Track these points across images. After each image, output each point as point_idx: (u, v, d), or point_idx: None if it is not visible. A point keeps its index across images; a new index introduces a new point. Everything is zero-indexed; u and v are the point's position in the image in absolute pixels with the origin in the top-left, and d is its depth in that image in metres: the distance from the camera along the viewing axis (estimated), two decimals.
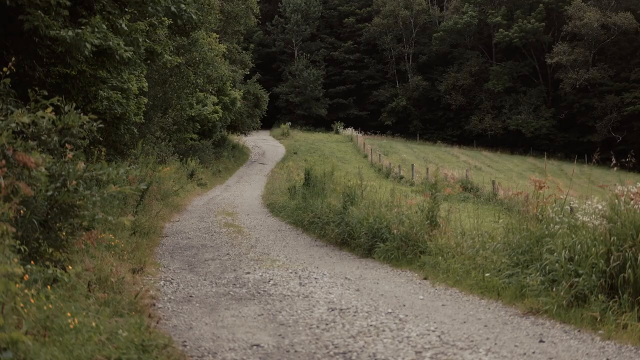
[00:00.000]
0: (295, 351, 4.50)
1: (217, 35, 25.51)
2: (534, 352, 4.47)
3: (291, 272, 7.67)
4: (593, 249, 5.47)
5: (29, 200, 4.56)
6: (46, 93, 5.49)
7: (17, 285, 3.35)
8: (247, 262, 8.48)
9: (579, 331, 4.94)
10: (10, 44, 8.37)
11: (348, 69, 64.10)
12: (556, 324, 5.18)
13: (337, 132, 51.96)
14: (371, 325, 5.17)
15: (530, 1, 56.05)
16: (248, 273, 7.61)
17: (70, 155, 5.23)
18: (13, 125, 4.47)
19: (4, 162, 4.02)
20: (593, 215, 6.51)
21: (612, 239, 5.34)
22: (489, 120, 56.14)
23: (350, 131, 49.80)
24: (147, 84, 15.40)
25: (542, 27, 54.34)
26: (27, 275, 3.86)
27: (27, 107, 5.16)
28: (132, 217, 6.93)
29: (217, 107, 27.46)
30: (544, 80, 56.40)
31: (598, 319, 4.98)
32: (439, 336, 4.85)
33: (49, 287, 4.25)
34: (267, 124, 52.44)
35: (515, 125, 54.37)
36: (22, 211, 4.45)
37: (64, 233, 5.14)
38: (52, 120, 5.08)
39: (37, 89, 5.52)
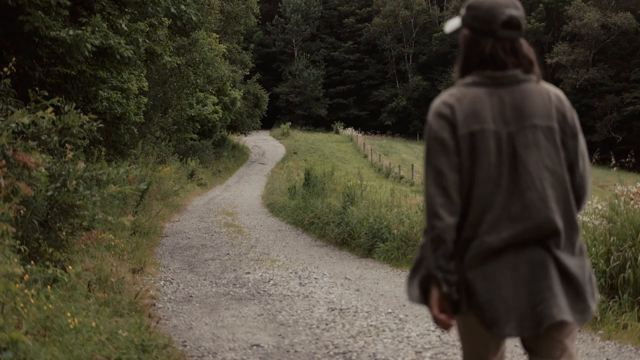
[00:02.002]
0: (295, 351, 4.50)
1: (217, 36, 25.52)
2: None
3: (291, 272, 7.67)
4: (593, 249, 5.46)
5: (29, 200, 4.56)
6: (46, 93, 5.49)
7: (17, 285, 3.35)
8: (247, 262, 8.48)
9: (579, 331, 4.94)
10: (10, 44, 8.37)
11: (348, 69, 64.14)
12: None
13: (337, 132, 51.97)
14: (371, 325, 5.17)
15: (530, 1, 56.08)
16: (248, 273, 7.61)
17: (70, 155, 5.24)
18: (13, 125, 4.47)
19: (4, 162, 4.02)
20: (593, 215, 6.51)
21: (612, 239, 5.34)
22: None
23: (350, 131, 49.83)
24: (147, 84, 15.42)
25: (542, 27, 54.40)
26: (27, 275, 3.86)
27: (27, 107, 5.16)
28: (132, 217, 6.94)
29: (217, 107, 27.48)
30: (544, 80, 56.34)
31: (598, 319, 4.98)
32: (439, 336, 4.85)
33: (49, 287, 4.25)
34: (267, 124, 52.48)
35: None
36: (22, 211, 4.45)
37: (64, 233, 5.14)
38: (52, 120, 5.08)
39: (37, 89, 5.52)
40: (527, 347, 2.22)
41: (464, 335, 2.26)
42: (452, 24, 2.29)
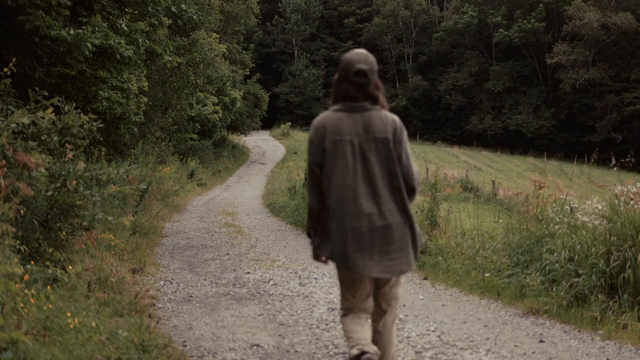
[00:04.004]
0: (295, 351, 4.50)
1: (217, 36, 25.52)
2: (534, 352, 4.47)
3: (291, 272, 7.67)
4: (593, 249, 5.46)
5: (29, 200, 4.56)
6: (46, 93, 5.50)
7: (17, 285, 3.35)
8: (247, 262, 8.48)
9: (579, 331, 4.94)
10: (10, 44, 8.37)
11: None
12: (556, 324, 5.18)
13: None
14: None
15: (530, 1, 56.06)
16: (248, 273, 7.61)
17: (70, 155, 5.24)
18: (13, 125, 4.47)
19: (4, 162, 4.02)
20: (593, 215, 6.51)
21: (612, 239, 5.34)
22: (489, 120, 56.16)
23: None
24: (147, 83, 15.41)
25: (542, 27, 54.36)
26: (27, 275, 3.86)
27: (27, 107, 5.16)
28: (132, 217, 6.93)
29: (217, 107, 27.47)
30: (544, 80, 56.41)
31: (598, 319, 4.98)
32: (439, 336, 4.85)
33: (49, 287, 4.24)
34: (267, 124, 52.48)
35: (515, 125, 54.38)
36: (22, 211, 4.45)
37: (64, 233, 5.14)
38: (52, 121, 5.08)
39: (37, 89, 5.52)
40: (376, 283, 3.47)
41: (339, 277, 3.45)
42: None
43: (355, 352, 3.21)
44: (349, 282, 3.39)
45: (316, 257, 3.45)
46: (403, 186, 3.32)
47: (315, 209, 3.36)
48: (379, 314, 3.51)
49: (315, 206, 3.36)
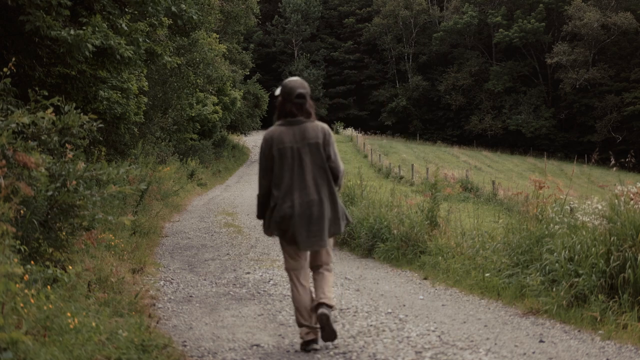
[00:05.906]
0: (295, 351, 4.50)
1: (217, 36, 25.51)
2: (534, 352, 4.47)
3: None
4: (593, 249, 5.46)
5: (29, 200, 4.56)
6: (46, 93, 5.49)
7: (17, 285, 3.35)
8: (247, 262, 8.48)
9: (579, 331, 4.94)
10: (10, 44, 8.36)
11: (348, 69, 64.11)
12: (556, 324, 5.18)
13: (337, 132, 51.99)
14: (371, 325, 5.17)
15: (530, 1, 56.08)
16: (248, 273, 7.61)
17: (70, 155, 5.24)
18: (13, 125, 4.47)
19: (4, 162, 4.02)
20: (593, 215, 6.50)
21: (612, 239, 5.34)
22: (489, 120, 56.17)
23: (350, 131, 49.83)
24: (147, 83, 15.40)
25: (542, 27, 54.38)
26: (27, 275, 3.85)
27: (27, 107, 5.16)
28: (132, 217, 6.92)
29: (217, 107, 27.46)
30: (544, 80, 56.41)
31: (598, 319, 4.98)
32: (439, 336, 4.85)
33: (49, 287, 4.24)
34: (267, 124, 52.42)
35: (515, 125, 54.39)
36: (22, 211, 4.45)
37: (64, 233, 5.14)
38: (52, 121, 5.07)
39: (37, 89, 5.52)
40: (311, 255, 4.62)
41: (282, 245, 4.57)
42: (278, 92, 4.52)
43: (307, 338, 4.38)
44: (289, 251, 4.53)
45: (267, 232, 4.53)
46: (331, 179, 4.44)
47: (265, 199, 4.50)
48: (316, 270, 4.60)
49: (264, 196, 4.49)
